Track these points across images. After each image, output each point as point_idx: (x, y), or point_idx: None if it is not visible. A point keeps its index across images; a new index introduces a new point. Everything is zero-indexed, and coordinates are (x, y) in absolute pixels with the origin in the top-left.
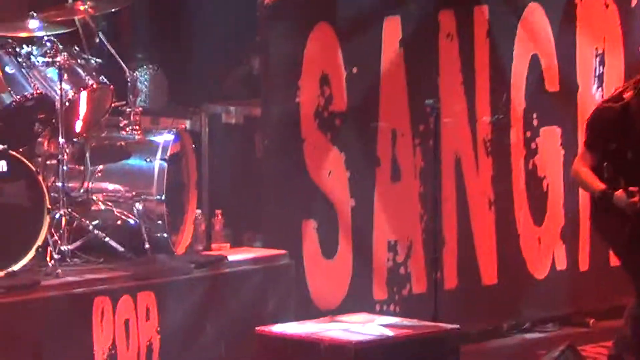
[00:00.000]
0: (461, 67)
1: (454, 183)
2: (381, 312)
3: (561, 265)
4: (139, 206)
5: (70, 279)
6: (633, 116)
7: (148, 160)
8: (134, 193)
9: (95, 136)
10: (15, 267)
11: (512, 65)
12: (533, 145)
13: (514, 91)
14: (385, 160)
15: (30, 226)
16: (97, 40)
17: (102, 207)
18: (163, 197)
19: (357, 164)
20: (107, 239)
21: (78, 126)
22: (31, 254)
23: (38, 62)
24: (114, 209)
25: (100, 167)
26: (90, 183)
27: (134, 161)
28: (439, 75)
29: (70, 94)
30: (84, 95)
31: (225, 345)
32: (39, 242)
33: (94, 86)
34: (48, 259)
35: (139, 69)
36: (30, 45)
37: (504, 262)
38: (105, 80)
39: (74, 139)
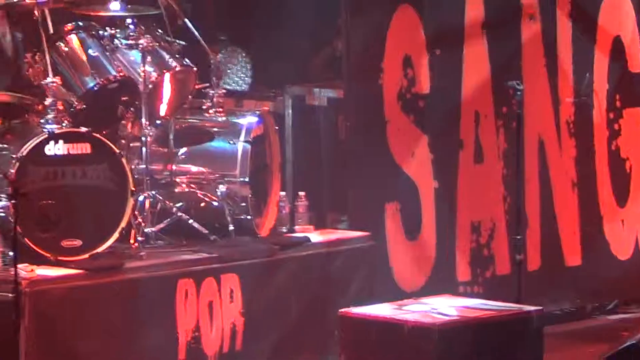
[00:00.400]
0: (544, 48)
1: (537, 164)
2: (465, 294)
3: None
4: (222, 188)
5: (154, 261)
6: None
7: (232, 142)
8: (217, 175)
9: (178, 118)
10: (100, 249)
11: (595, 46)
12: (616, 127)
13: (596, 72)
14: (469, 142)
15: (114, 208)
16: (181, 22)
17: (186, 189)
18: (247, 179)
19: (440, 146)
20: (190, 221)
21: (162, 108)
22: (115, 236)
23: (121, 44)
24: (198, 191)
25: (184, 149)
26: (173, 165)
27: (217, 143)
28: (521, 57)
29: (154, 76)
30: (167, 77)
31: (308, 327)
32: (123, 224)
33: (177, 68)
34: (132, 241)
35: (223, 51)
36: (113, 28)
37: (587, 243)
38: (188, 62)
39: (158, 122)
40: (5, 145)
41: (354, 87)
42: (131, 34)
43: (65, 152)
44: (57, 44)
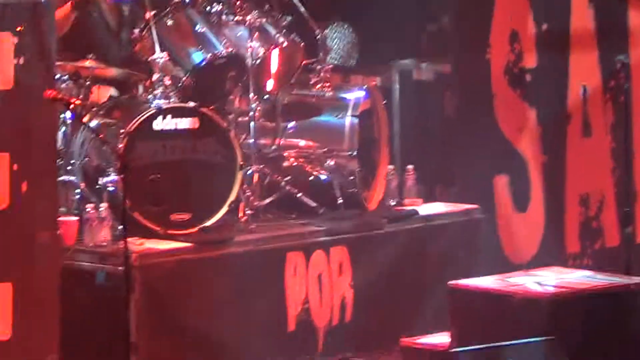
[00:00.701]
0: None
1: None
2: (574, 266)
3: None
4: (330, 162)
5: (263, 234)
6: None
7: (339, 116)
8: (325, 149)
9: (286, 93)
10: (209, 223)
11: None
12: None
13: None
14: (576, 115)
15: (223, 182)
16: None
17: (294, 163)
18: (355, 153)
19: (548, 120)
20: (299, 194)
21: (269, 84)
22: (224, 209)
23: (228, 20)
24: (306, 165)
25: (292, 123)
26: (281, 140)
27: (325, 118)
28: (628, 30)
29: (261, 51)
30: (274, 53)
31: (417, 299)
32: (232, 198)
33: (285, 44)
34: (241, 214)
35: (329, 26)
36: (220, 4)
37: None
38: (295, 37)
39: (265, 96)
40: (114, 121)
41: (461, 62)
42: (238, 9)
43: (173, 127)
44: (164, 19)
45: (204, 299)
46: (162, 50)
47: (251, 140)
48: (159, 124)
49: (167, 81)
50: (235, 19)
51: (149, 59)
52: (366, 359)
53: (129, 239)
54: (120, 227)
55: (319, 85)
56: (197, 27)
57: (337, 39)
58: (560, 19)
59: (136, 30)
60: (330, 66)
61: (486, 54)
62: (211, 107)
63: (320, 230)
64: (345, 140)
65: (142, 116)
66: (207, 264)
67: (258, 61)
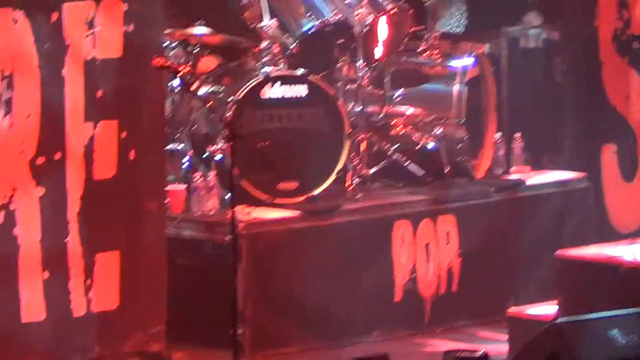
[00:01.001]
0: None
1: None
2: None
3: None
4: (438, 130)
5: (370, 202)
6: None
7: (447, 84)
8: (433, 117)
9: (394, 60)
10: (316, 192)
11: None
12: None
13: None
14: None
15: (330, 151)
16: None
17: (402, 131)
18: (462, 121)
19: None
20: (406, 163)
21: (377, 51)
22: (331, 178)
23: None
24: (413, 133)
25: (400, 91)
26: (389, 107)
27: (433, 85)
28: None
29: (370, 18)
30: (383, 20)
31: (523, 268)
32: (339, 166)
33: (393, 11)
34: (348, 183)
35: None
36: None
37: None
38: (404, 4)
39: (373, 64)
40: (222, 88)
41: (569, 29)
42: None
43: (281, 95)
44: None
45: (310, 268)
46: (270, 18)
47: (359, 108)
48: (267, 92)
49: (276, 49)
50: None
51: (258, 26)
52: (473, 329)
53: (236, 208)
54: (228, 195)
55: (427, 53)
56: None
57: (446, 6)
58: None
59: None
60: (439, 33)
61: (594, 20)
62: (319, 75)
63: (428, 198)
64: (453, 108)
65: (251, 84)
66: (314, 233)
67: (366, 28)
